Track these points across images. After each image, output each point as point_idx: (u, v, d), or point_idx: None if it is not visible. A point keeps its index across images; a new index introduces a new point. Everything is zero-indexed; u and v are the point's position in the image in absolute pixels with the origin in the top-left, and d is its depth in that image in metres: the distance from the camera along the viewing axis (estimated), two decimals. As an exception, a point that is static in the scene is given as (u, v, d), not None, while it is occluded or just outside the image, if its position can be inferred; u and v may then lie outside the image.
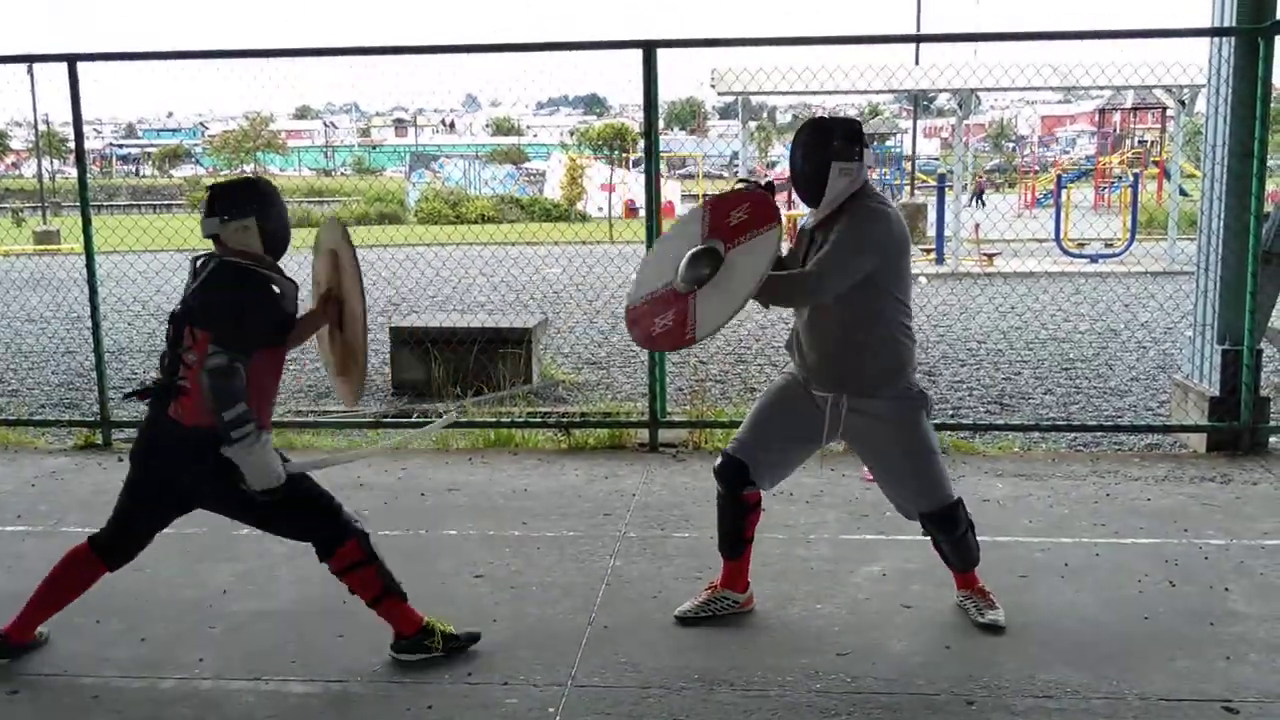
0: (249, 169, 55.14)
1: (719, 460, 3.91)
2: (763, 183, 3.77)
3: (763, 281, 3.38)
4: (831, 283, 3.53)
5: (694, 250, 3.60)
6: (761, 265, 3.40)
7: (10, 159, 63.46)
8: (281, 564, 4.54)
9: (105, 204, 38.36)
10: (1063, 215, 19.23)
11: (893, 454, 3.76)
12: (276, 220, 3.54)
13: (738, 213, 3.57)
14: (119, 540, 3.67)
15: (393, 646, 3.71)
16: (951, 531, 3.82)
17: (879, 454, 3.79)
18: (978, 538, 3.94)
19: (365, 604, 3.66)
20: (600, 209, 29.26)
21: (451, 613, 4.01)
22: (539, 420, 6.74)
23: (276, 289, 3.47)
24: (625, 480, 5.74)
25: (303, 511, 3.56)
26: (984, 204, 30.06)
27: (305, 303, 3.71)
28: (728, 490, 3.89)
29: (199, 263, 3.56)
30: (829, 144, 3.59)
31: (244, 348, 3.36)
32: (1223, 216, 6.10)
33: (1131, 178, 21.97)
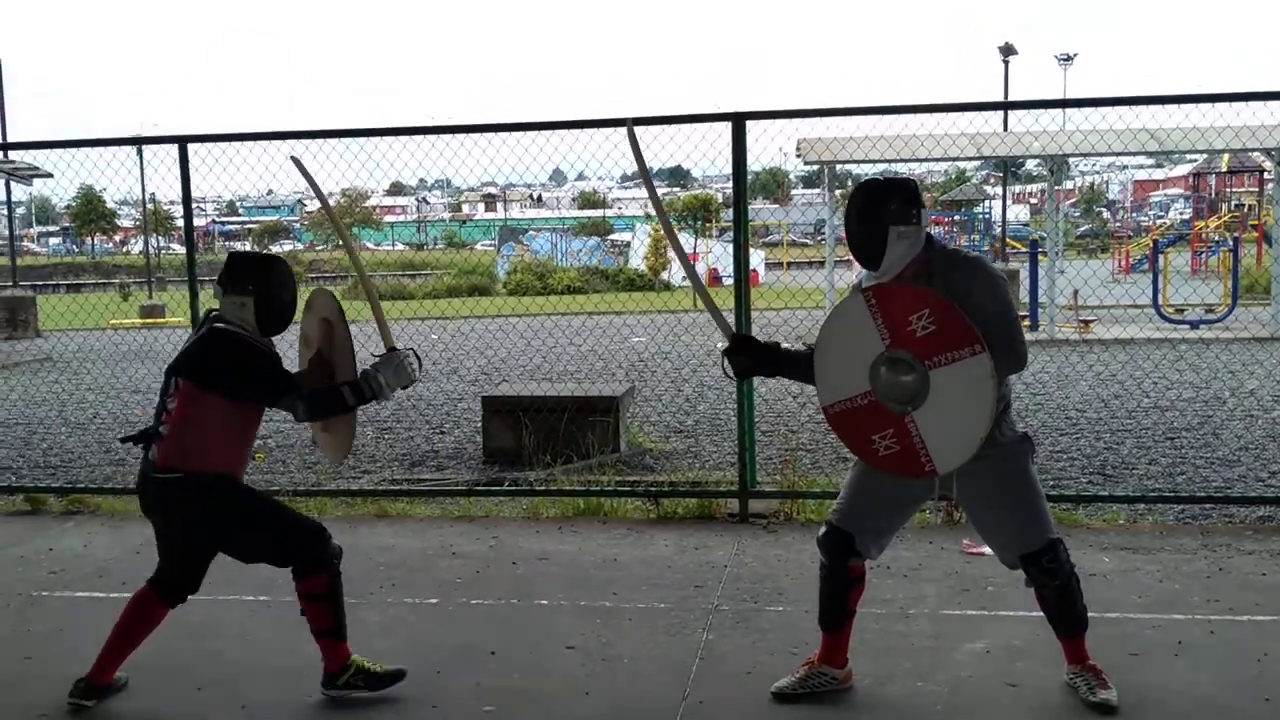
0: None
1: (823, 531, 3.84)
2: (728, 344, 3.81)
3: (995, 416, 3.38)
4: (1025, 356, 3.54)
5: (886, 356, 3.47)
6: (988, 400, 3.36)
7: (119, 236, 66.10)
8: (376, 635, 4.56)
9: (208, 278, 39.55)
10: (1160, 280, 18.79)
11: (995, 497, 3.68)
12: (274, 301, 3.72)
13: (919, 320, 3.42)
14: (170, 579, 3.89)
15: (323, 683, 3.90)
16: (1053, 575, 3.67)
17: (982, 499, 3.70)
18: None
19: (311, 631, 3.87)
20: (685, 278, 29.42)
21: (545, 684, 4.00)
22: (628, 489, 6.72)
23: (262, 353, 3.70)
24: (715, 551, 5.67)
25: (293, 536, 3.78)
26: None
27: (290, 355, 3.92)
28: (832, 563, 3.82)
29: (200, 321, 3.79)
30: (885, 207, 3.56)
31: (247, 400, 3.66)
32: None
33: (1230, 242, 21.43)
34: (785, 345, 3.86)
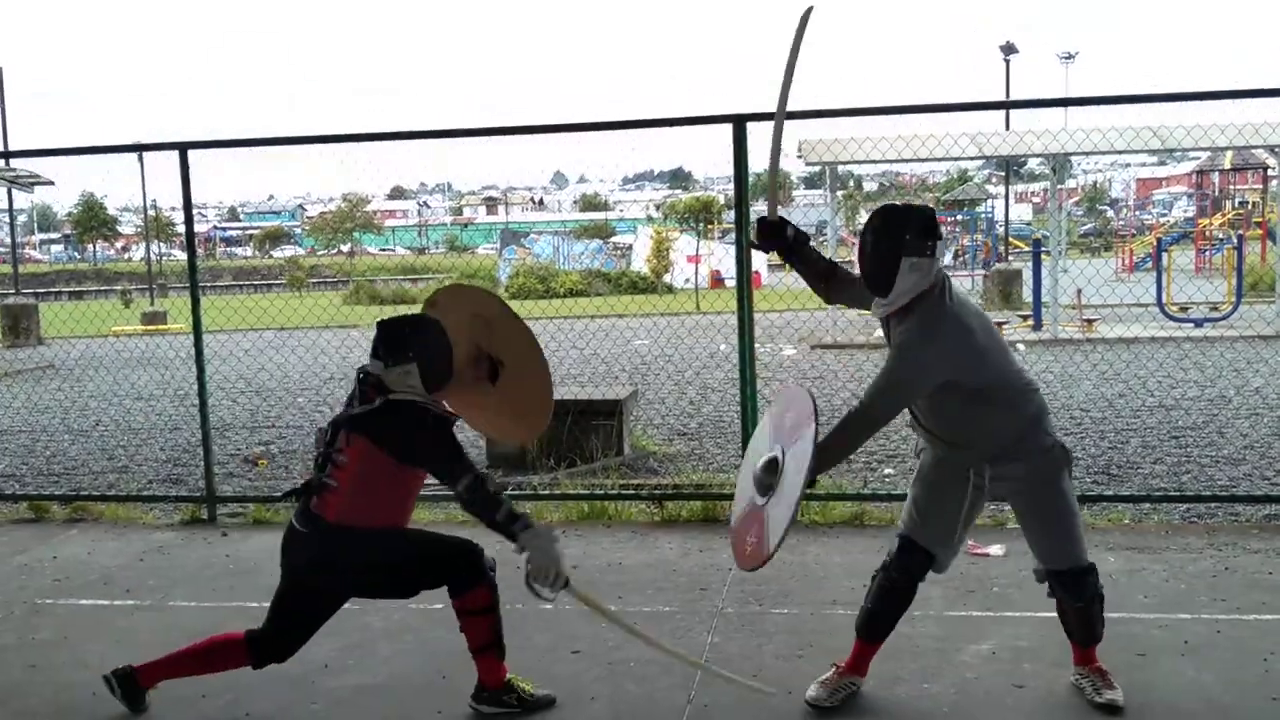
0: (345, 248, 56.70)
1: (900, 547, 3.78)
2: (772, 219, 3.83)
3: (808, 483, 3.39)
4: (876, 420, 3.53)
5: (765, 459, 3.63)
6: (804, 462, 3.38)
7: (120, 243, 66.21)
8: (380, 640, 4.56)
9: (210, 285, 39.73)
10: (1164, 279, 18.76)
11: (1028, 507, 3.67)
12: (438, 360, 3.70)
13: (790, 415, 3.61)
14: (273, 639, 3.81)
15: (474, 696, 3.83)
16: (1078, 596, 3.67)
17: (1022, 511, 3.72)
18: (1097, 613, 3.78)
19: (468, 648, 3.79)
20: (687, 280, 29.38)
21: (551, 688, 3.98)
22: (632, 493, 6.71)
23: (444, 424, 3.69)
24: (720, 554, 5.66)
25: (441, 555, 3.75)
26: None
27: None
28: (908, 581, 3.79)
29: (364, 380, 3.70)
30: (902, 236, 3.47)
31: (404, 459, 3.62)
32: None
33: (1234, 239, 21.39)
34: (812, 246, 3.90)
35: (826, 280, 3.89)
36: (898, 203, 3.81)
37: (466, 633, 3.79)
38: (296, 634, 3.83)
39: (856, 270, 3.74)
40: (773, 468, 3.58)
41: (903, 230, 3.49)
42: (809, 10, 3.82)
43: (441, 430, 3.66)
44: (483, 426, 4.54)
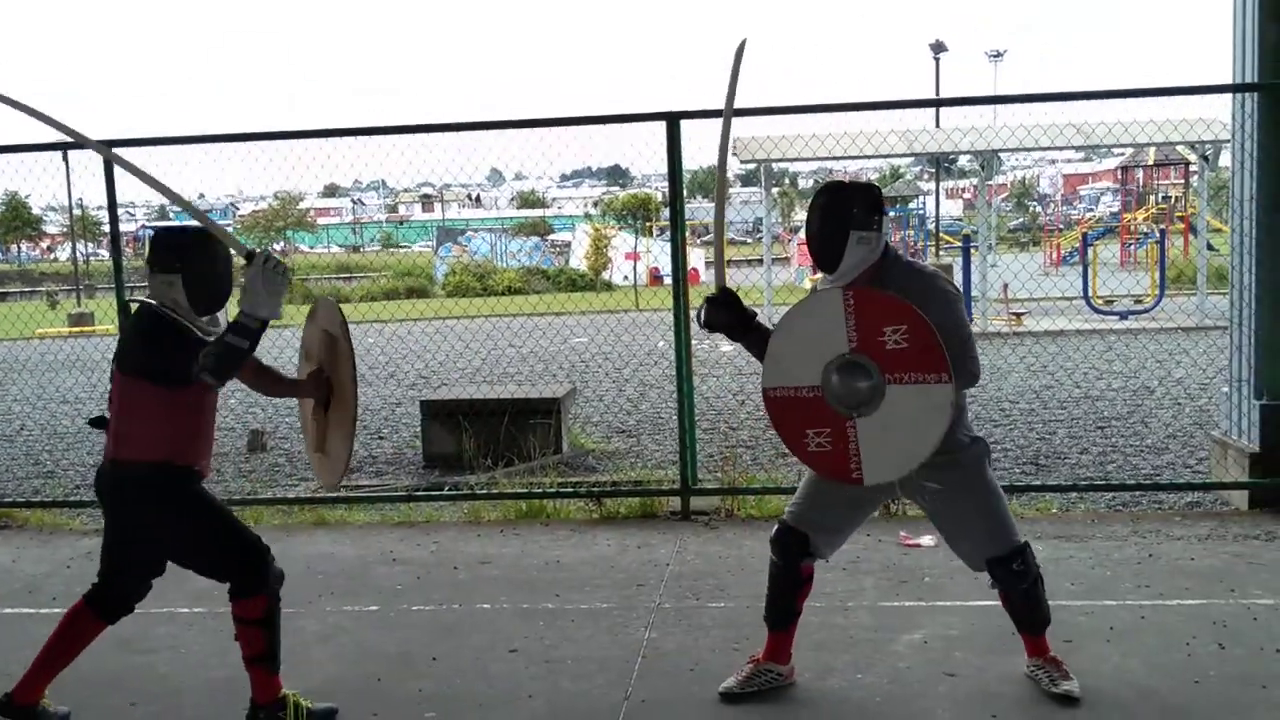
0: (278, 247, 55.92)
1: (777, 530, 3.84)
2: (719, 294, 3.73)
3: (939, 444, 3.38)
4: (977, 364, 3.56)
5: (845, 358, 3.46)
6: (938, 429, 3.38)
7: (45, 243, 64.62)
8: (315, 644, 4.51)
9: (139, 284, 38.86)
10: (1090, 273, 19.15)
11: (957, 502, 3.70)
12: (204, 277, 3.51)
13: (894, 333, 3.41)
14: (109, 593, 3.72)
15: (248, 715, 3.68)
16: (1021, 579, 3.72)
17: (944, 504, 3.73)
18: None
19: (242, 657, 3.66)
20: (625, 277, 29.42)
21: (487, 689, 3.98)
22: (570, 490, 6.71)
23: (187, 333, 3.48)
24: (658, 550, 5.69)
25: (236, 550, 3.60)
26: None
27: (290, 365, 3.74)
28: (785, 562, 3.82)
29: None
30: (848, 211, 3.55)
31: (163, 383, 3.45)
32: (1254, 270, 6.05)
33: (1158, 233, 21.89)
34: (759, 320, 3.85)
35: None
36: (842, 180, 3.83)
37: (240, 641, 3.64)
38: (126, 580, 3.70)
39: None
40: (858, 373, 3.45)
41: (849, 205, 3.56)
42: (743, 43, 3.88)
43: (183, 338, 3.44)
44: (310, 451, 4.21)
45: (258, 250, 3.41)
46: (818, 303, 3.60)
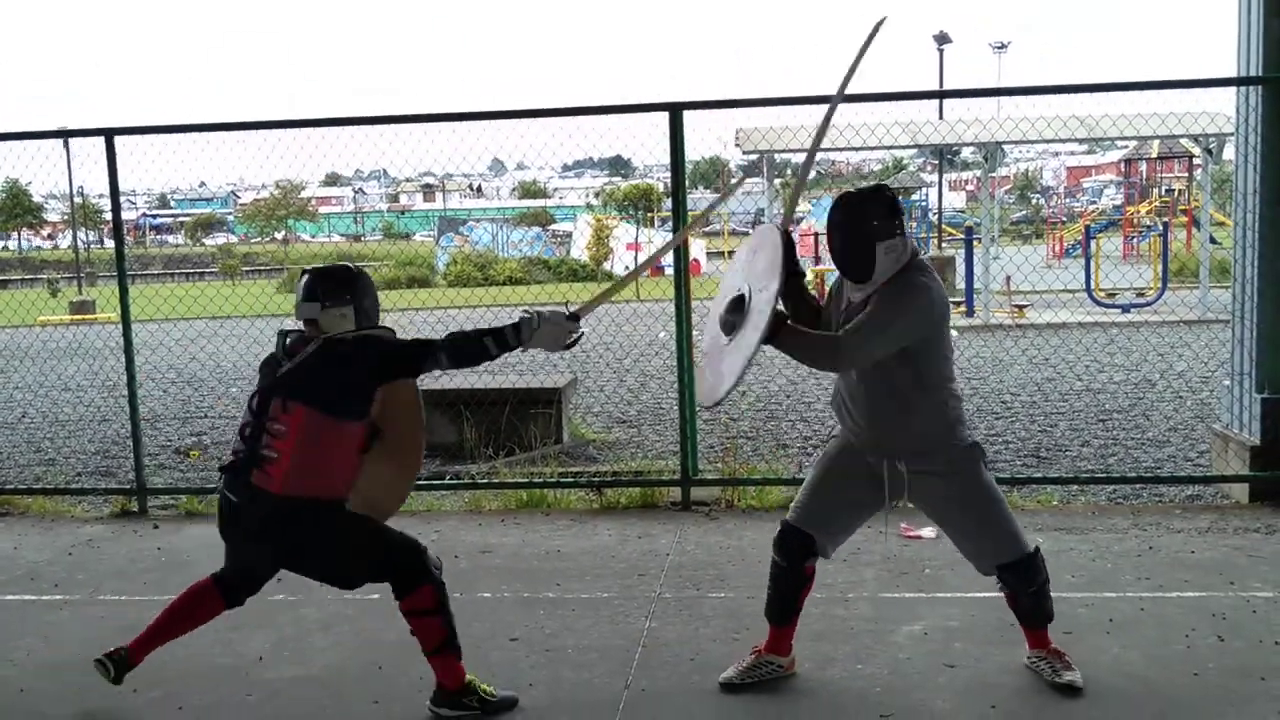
0: (279, 236, 55.91)
1: (780, 531, 3.84)
2: (779, 227, 3.70)
3: (763, 340, 3.38)
4: (859, 355, 3.49)
5: (734, 295, 3.62)
6: (762, 320, 3.39)
7: (46, 231, 64.61)
8: (316, 631, 4.52)
9: (140, 273, 38.96)
10: (1092, 265, 19.14)
11: (955, 510, 3.69)
12: (371, 307, 3.71)
13: (762, 256, 3.59)
14: (240, 581, 3.81)
15: (433, 700, 3.74)
16: (1031, 582, 3.72)
17: (944, 512, 3.73)
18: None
19: (422, 651, 3.70)
20: (627, 268, 29.41)
21: (488, 678, 3.97)
22: (571, 480, 6.72)
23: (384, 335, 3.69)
24: (659, 540, 5.69)
25: (386, 551, 3.65)
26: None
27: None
28: (788, 562, 3.81)
29: (288, 340, 3.66)
30: (869, 225, 3.51)
31: (349, 413, 3.56)
32: (1257, 264, 6.05)
33: (1161, 226, 21.87)
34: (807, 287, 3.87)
35: (813, 321, 3.80)
36: (850, 189, 3.81)
37: (418, 635, 3.69)
38: (256, 584, 3.86)
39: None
40: (739, 306, 3.57)
41: (869, 217, 3.53)
42: (882, 20, 3.83)
43: (385, 341, 3.63)
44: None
45: (580, 324, 3.68)
46: (743, 247, 3.88)
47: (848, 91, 3.93)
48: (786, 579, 3.84)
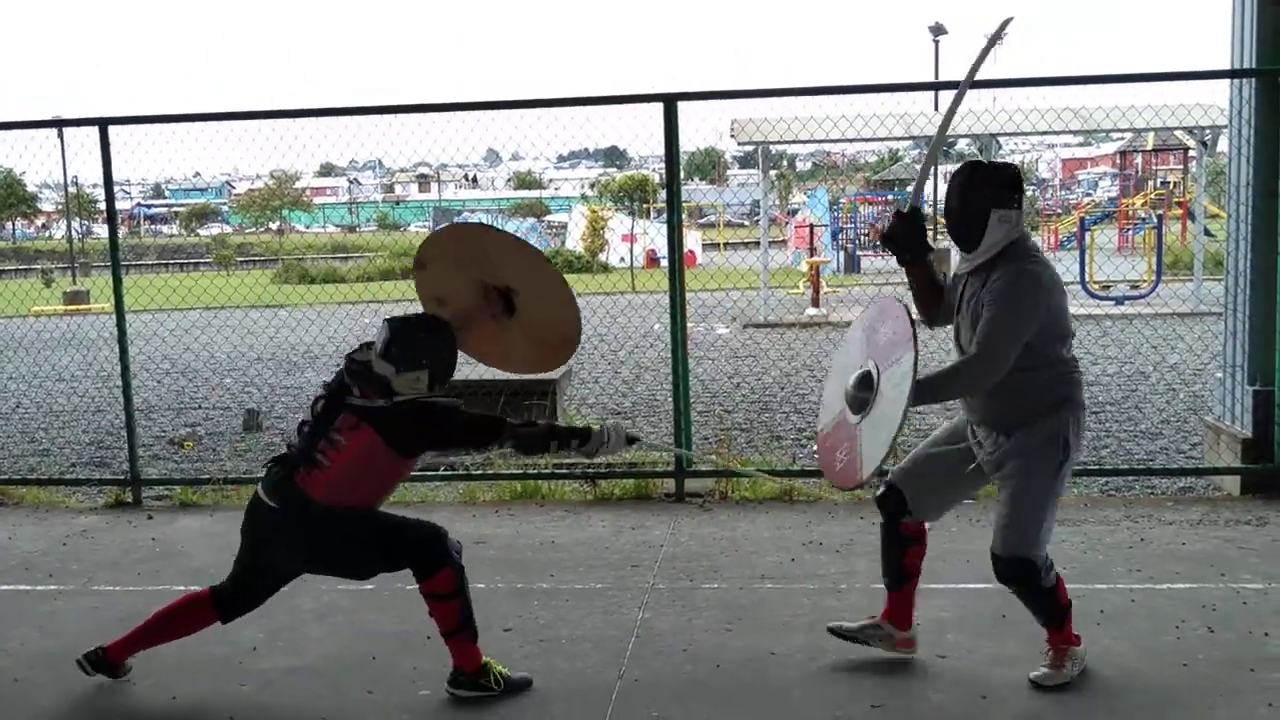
0: (274, 226, 55.77)
1: (880, 489, 3.91)
2: (906, 209, 3.75)
3: (907, 413, 3.38)
4: (1000, 362, 3.47)
5: (858, 373, 3.62)
6: (901, 403, 3.37)
7: (40, 221, 64.42)
8: (310, 621, 4.53)
9: (134, 263, 38.87)
10: (1087, 257, 19.16)
11: (1008, 482, 3.64)
12: (448, 366, 3.75)
13: (885, 329, 3.58)
14: (238, 596, 3.85)
15: (450, 681, 3.80)
16: (1008, 582, 3.71)
17: (1002, 477, 3.68)
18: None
19: (440, 633, 3.77)
20: (622, 259, 29.36)
21: (481, 668, 3.99)
22: (565, 471, 6.73)
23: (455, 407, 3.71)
24: (652, 531, 5.71)
25: (409, 535, 3.71)
26: None
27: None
28: (887, 517, 3.90)
29: (356, 368, 3.66)
30: (988, 190, 3.54)
31: (412, 454, 3.68)
32: (1250, 257, 6.06)
33: (1155, 219, 21.89)
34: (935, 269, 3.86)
35: (937, 299, 3.82)
36: (980, 159, 3.83)
37: (436, 618, 3.75)
38: (258, 597, 3.89)
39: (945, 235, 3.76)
40: (867, 383, 3.58)
41: (989, 184, 3.56)
42: (1008, 21, 3.84)
43: (452, 413, 3.65)
44: (517, 365, 4.43)
45: (642, 436, 3.91)
46: (854, 329, 3.82)
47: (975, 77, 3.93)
48: (888, 536, 3.92)
